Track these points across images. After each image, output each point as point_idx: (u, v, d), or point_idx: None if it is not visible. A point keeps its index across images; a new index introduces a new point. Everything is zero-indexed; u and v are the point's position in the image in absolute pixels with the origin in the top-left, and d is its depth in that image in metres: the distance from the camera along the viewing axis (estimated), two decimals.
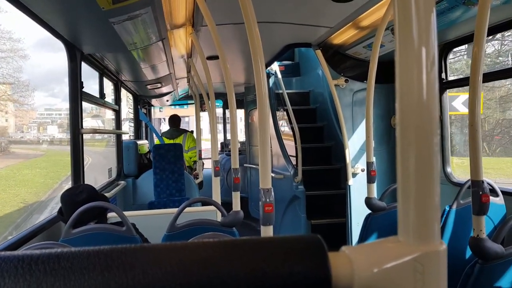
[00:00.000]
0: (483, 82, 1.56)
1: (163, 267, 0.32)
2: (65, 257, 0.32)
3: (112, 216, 1.99)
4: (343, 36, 2.78)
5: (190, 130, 5.16)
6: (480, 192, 1.47)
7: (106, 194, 2.37)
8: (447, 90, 2.87)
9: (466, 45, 2.78)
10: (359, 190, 3.12)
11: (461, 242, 1.97)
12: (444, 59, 2.80)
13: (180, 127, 5.08)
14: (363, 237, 2.32)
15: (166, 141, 4.82)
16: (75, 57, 2.28)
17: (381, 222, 2.29)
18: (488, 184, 1.68)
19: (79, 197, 1.73)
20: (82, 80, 2.36)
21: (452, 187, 2.72)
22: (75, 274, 0.31)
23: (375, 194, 2.48)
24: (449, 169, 2.86)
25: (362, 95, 3.21)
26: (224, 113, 7.26)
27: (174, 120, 4.95)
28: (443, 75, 2.82)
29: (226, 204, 2.05)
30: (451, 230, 2.01)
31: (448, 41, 2.69)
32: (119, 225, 1.73)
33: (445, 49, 2.77)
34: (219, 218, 2.02)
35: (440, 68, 2.81)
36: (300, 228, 3.44)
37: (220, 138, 7.07)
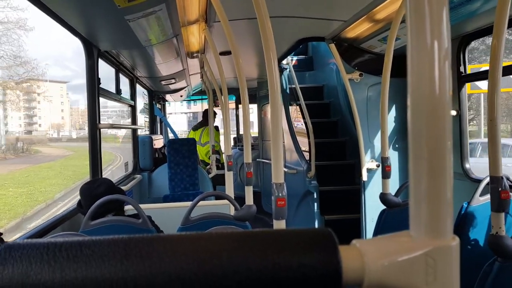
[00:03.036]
0: (503, 75, 1.51)
1: (178, 256, 0.33)
2: (87, 245, 0.33)
3: (129, 208, 2.03)
4: (357, 30, 2.73)
5: (214, 126, 5.25)
6: (499, 189, 1.43)
7: (123, 188, 2.42)
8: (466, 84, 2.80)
9: None
10: (374, 186, 3.09)
11: (480, 239, 1.93)
12: (463, 51, 2.73)
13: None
14: (377, 233, 2.30)
15: (192, 133, 5.31)
16: (92, 54, 2.33)
17: (396, 218, 2.26)
18: (508, 180, 1.63)
19: (97, 190, 1.78)
20: (99, 76, 2.41)
21: (471, 183, 2.65)
22: (96, 261, 0.33)
23: (390, 190, 2.45)
24: (467, 165, 2.79)
25: (377, 89, 3.16)
26: (236, 108, 7.26)
27: (203, 114, 5.59)
28: (462, 69, 2.74)
29: (239, 199, 2.07)
30: (470, 226, 1.97)
31: (466, 33, 2.61)
32: (136, 218, 1.77)
33: (463, 41, 2.69)
34: (232, 212, 2.04)
35: (458, 61, 2.73)
36: (313, 223, 3.43)
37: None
